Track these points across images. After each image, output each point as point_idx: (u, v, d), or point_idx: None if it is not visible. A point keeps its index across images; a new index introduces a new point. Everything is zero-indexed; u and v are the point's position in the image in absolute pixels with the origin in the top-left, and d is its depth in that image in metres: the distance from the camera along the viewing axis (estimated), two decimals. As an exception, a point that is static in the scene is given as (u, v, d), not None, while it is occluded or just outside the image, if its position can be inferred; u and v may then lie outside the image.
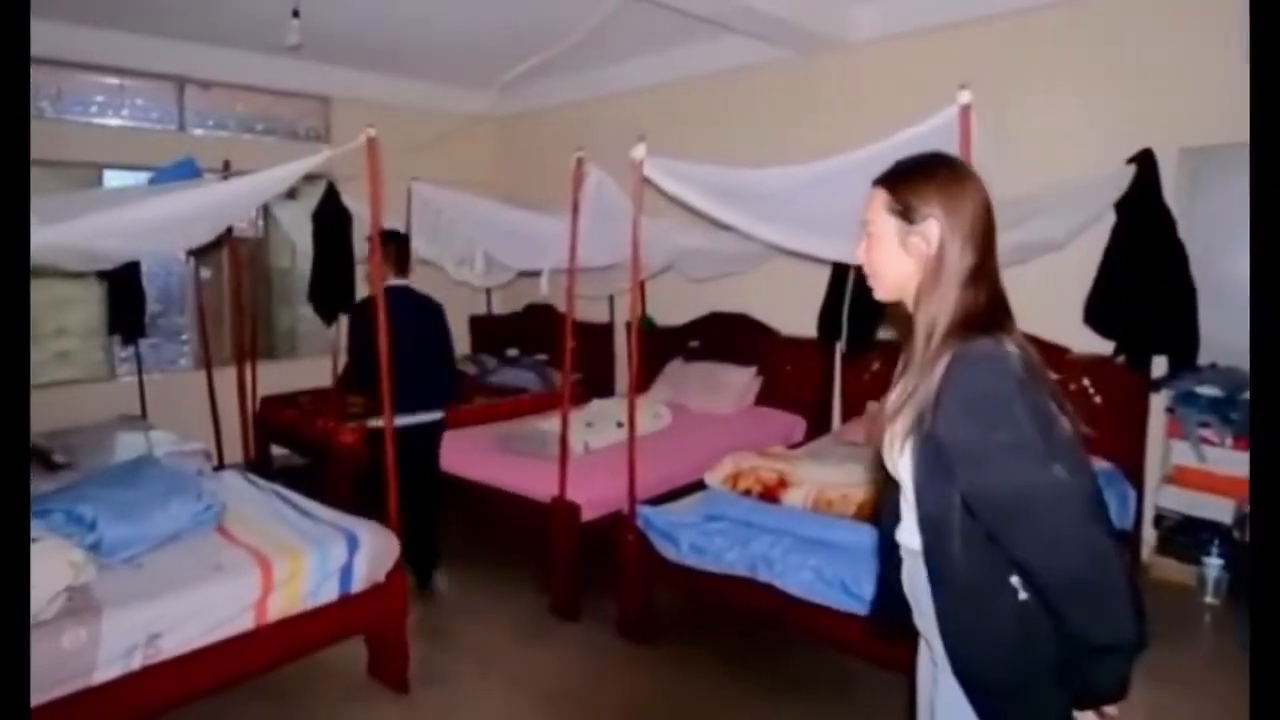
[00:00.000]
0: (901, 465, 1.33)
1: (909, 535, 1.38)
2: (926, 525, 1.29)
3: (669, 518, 3.20)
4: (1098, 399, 3.95)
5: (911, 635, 1.51)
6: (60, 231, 2.44)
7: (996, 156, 2.78)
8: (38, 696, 2.06)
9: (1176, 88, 3.80)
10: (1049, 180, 3.87)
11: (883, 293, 1.40)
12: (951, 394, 1.21)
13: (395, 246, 3.59)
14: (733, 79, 5.41)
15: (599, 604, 3.52)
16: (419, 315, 3.57)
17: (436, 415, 3.69)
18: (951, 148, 2.32)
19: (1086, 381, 3.99)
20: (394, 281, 3.46)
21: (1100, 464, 3.69)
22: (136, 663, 2.26)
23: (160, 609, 2.34)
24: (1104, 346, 3.97)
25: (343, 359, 5.55)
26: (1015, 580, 1.25)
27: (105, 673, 2.20)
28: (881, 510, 1.51)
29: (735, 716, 2.84)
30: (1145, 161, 3.72)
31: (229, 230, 3.99)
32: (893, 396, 1.33)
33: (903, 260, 1.32)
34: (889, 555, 1.49)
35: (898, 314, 1.44)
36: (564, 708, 2.89)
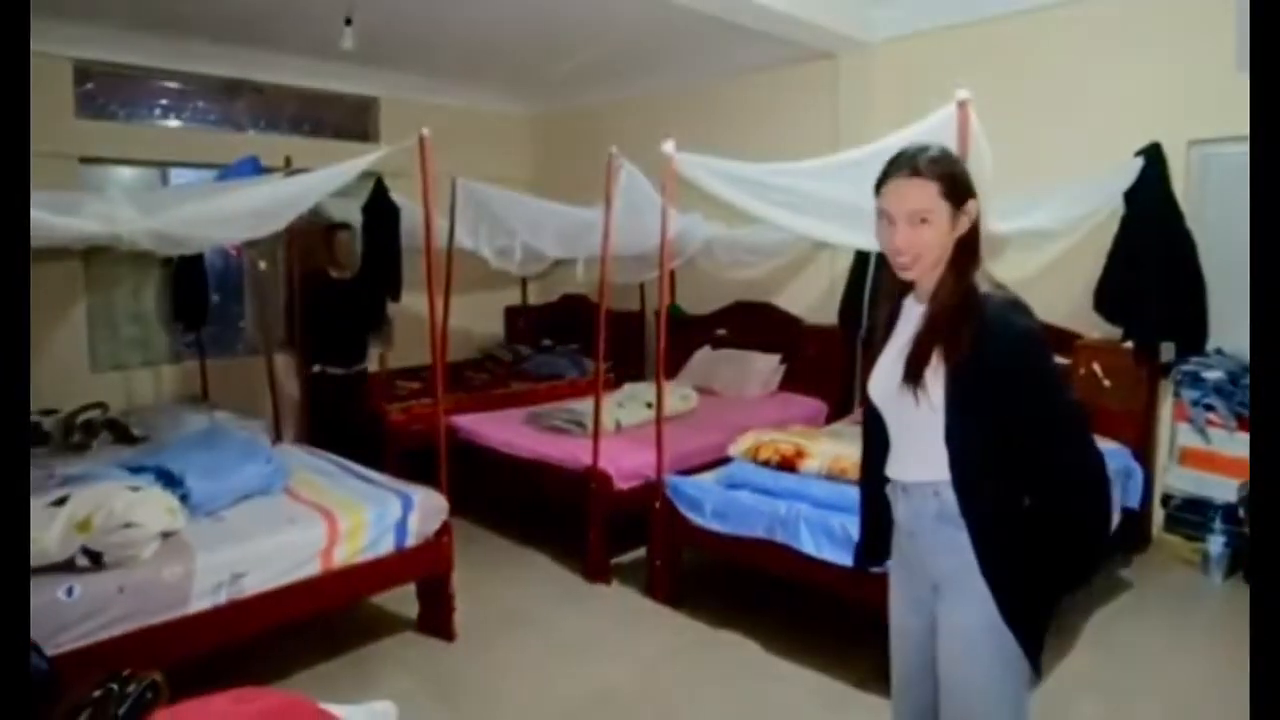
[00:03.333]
0: (930, 401, 1.50)
1: (914, 470, 1.59)
2: (959, 452, 1.50)
3: (694, 485, 3.46)
4: (1107, 382, 4.11)
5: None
6: (161, 220, 2.77)
7: (1007, 149, 2.97)
8: (146, 619, 2.40)
9: (1184, 81, 3.96)
10: (1060, 173, 4.06)
11: (918, 272, 1.54)
12: (1003, 333, 1.45)
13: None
14: (757, 79, 5.64)
15: (628, 569, 3.79)
16: None
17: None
18: (952, 142, 2.55)
19: (1097, 366, 4.15)
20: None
21: (1110, 444, 3.87)
22: (223, 598, 2.58)
23: (242, 552, 2.66)
24: (1115, 332, 4.13)
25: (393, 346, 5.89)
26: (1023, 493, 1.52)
27: (198, 604, 2.53)
28: (871, 453, 1.73)
29: (750, 665, 3.09)
30: (1153, 154, 3.89)
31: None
32: (910, 348, 1.53)
33: (950, 238, 1.52)
34: (877, 494, 1.71)
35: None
36: (595, 658, 3.16)
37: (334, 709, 1.11)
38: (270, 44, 5.48)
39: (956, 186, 1.51)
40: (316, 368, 4.90)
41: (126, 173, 5.52)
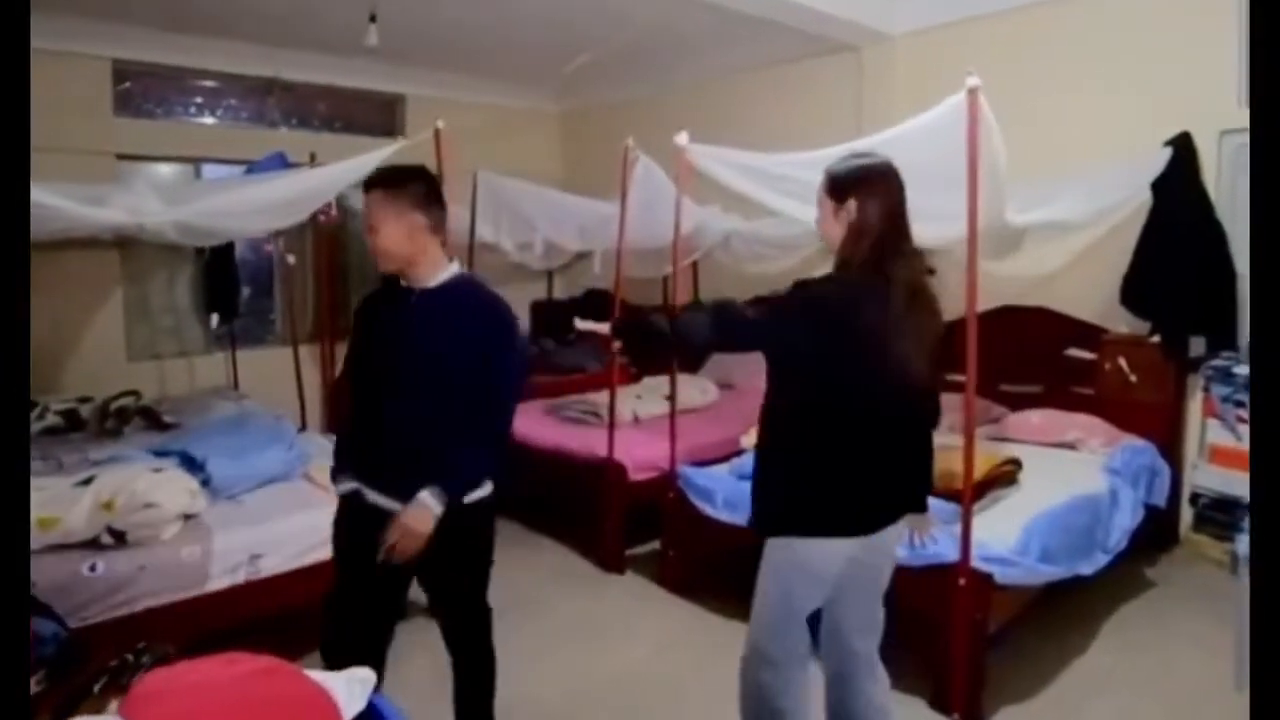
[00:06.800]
0: None
1: None
2: None
3: (706, 476, 3.47)
4: (1134, 378, 4.03)
5: None
6: (184, 211, 2.86)
7: (1033, 139, 2.91)
8: (168, 596, 2.49)
9: (1217, 70, 3.85)
10: (1088, 164, 3.98)
11: (827, 246, 1.98)
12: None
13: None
14: (781, 72, 5.62)
15: (642, 559, 3.82)
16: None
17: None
18: (961, 130, 2.52)
19: (1123, 361, 4.07)
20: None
21: (1137, 442, 3.81)
22: (241, 577, 2.67)
23: (260, 534, 2.74)
24: (1143, 326, 4.04)
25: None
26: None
27: (216, 583, 2.62)
28: None
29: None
30: (1182, 144, 3.80)
31: (314, 217, 4.42)
32: None
33: (836, 226, 1.90)
34: None
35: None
36: (606, 644, 3.20)
37: (314, 675, 1.15)
38: (300, 43, 5.59)
39: (831, 185, 1.91)
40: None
41: (162, 169, 5.67)
